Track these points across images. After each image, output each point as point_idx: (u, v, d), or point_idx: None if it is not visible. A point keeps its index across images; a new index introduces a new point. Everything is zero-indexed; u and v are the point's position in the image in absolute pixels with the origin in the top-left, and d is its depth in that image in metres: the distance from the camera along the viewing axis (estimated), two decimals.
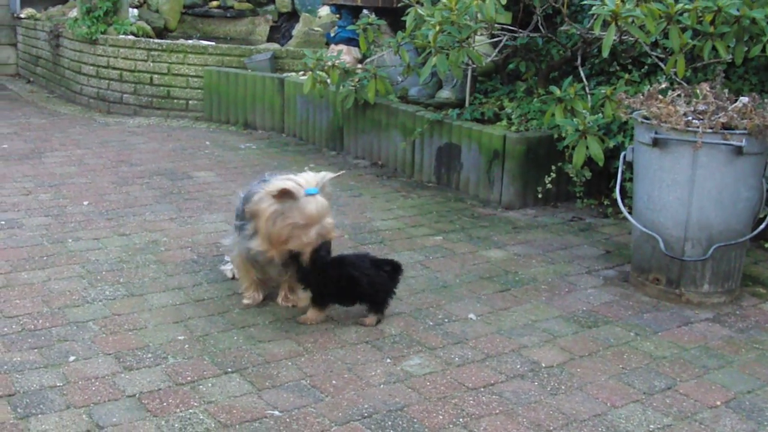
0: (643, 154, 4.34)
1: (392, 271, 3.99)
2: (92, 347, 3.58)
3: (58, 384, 3.26)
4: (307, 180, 3.76)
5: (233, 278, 4.37)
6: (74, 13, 10.02)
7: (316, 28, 9.53)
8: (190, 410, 3.12)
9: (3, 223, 5.15)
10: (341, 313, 4.02)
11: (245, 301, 4.11)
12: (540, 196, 5.87)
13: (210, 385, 3.31)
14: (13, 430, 2.94)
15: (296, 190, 3.67)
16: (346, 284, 3.87)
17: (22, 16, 11.64)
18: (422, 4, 5.84)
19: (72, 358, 3.48)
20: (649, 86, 4.81)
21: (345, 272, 3.87)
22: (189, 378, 3.35)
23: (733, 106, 4.20)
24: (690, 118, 4.18)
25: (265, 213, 3.70)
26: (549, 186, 5.82)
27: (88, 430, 2.96)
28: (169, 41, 9.04)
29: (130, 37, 9.13)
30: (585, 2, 5.32)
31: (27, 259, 4.57)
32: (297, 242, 3.72)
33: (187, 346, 3.64)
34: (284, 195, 3.65)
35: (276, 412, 3.13)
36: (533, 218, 5.66)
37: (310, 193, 3.70)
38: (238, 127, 8.36)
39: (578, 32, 5.79)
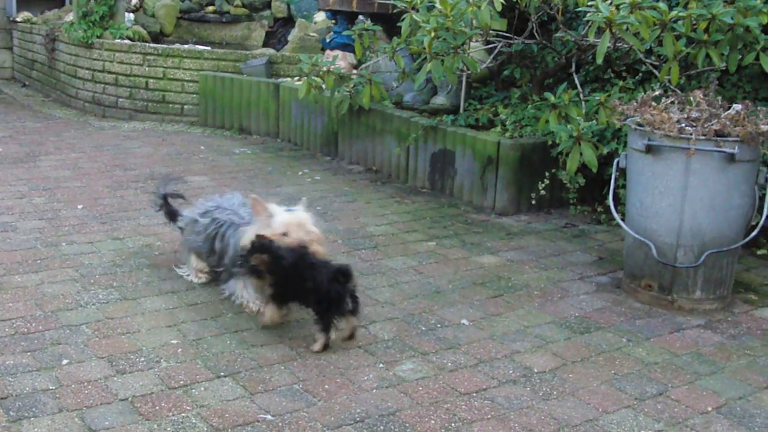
0: (637, 160, 4.35)
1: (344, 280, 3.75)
2: (85, 351, 3.58)
3: (50, 387, 3.26)
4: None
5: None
6: (70, 17, 10.02)
7: (312, 34, 9.54)
8: (183, 414, 3.12)
9: None
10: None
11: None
12: (533, 202, 5.89)
13: (203, 389, 3.31)
14: None
15: (270, 207, 4.05)
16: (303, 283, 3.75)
17: (18, 19, 11.63)
18: (418, 10, 5.85)
19: (65, 361, 3.48)
20: (643, 93, 4.83)
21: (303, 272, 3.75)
22: (182, 382, 3.36)
23: (726, 113, 4.22)
24: (683, 125, 4.20)
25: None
26: (543, 192, 5.84)
27: None
28: (164, 46, 9.04)
29: (126, 41, 9.13)
30: (580, 9, 5.34)
31: (20, 263, 4.57)
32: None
33: (180, 350, 3.64)
34: (261, 207, 4.03)
35: (268, 416, 3.13)
36: (527, 224, 5.67)
37: (287, 210, 4.03)
38: (233, 131, 8.36)
39: (573, 39, 5.81)
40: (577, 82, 5.80)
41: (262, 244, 3.76)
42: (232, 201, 4.37)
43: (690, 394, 3.44)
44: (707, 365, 3.71)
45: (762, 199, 4.42)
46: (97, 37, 9.16)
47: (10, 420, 3.02)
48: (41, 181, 6.29)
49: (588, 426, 3.17)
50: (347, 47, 8.28)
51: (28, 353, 3.54)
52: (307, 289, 3.70)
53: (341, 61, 7.97)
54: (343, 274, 3.71)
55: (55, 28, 10.23)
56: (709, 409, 3.34)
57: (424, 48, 5.54)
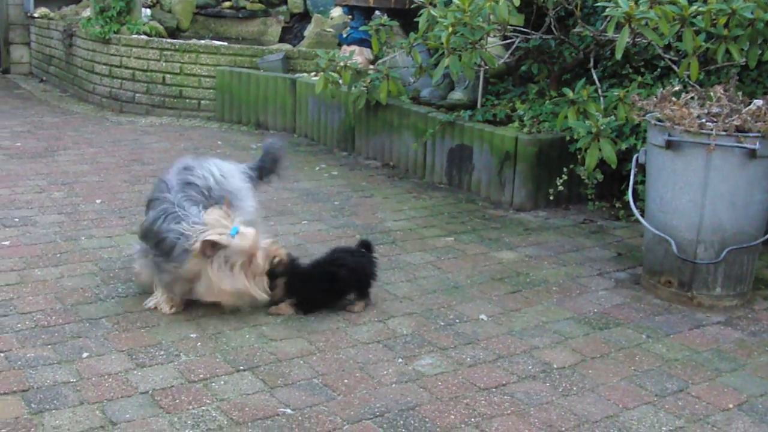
0: (656, 156, 4.33)
1: (367, 251, 4.20)
2: (105, 344, 3.60)
3: (71, 380, 3.28)
4: (214, 220, 3.77)
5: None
6: (87, 12, 10.06)
7: (328, 29, 9.55)
8: (203, 407, 3.13)
9: (17, 220, 5.18)
10: (352, 312, 4.03)
11: (172, 310, 3.95)
12: (551, 198, 5.87)
13: (222, 382, 3.32)
14: (27, 425, 2.96)
15: (222, 240, 3.69)
16: (328, 282, 4.01)
17: (36, 15, 11.69)
18: (435, 6, 5.84)
19: (85, 354, 3.49)
20: (661, 89, 4.81)
21: (324, 270, 4.04)
22: (201, 375, 3.37)
23: (747, 108, 4.19)
24: (704, 120, 4.17)
25: (213, 272, 3.73)
26: (560, 188, 5.81)
27: (101, 426, 2.97)
28: (181, 41, 9.07)
29: (143, 36, 9.16)
30: (598, 4, 5.31)
31: (40, 256, 4.59)
32: (250, 278, 3.78)
33: (199, 343, 3.65)
34: (213, 248, 3.69)
35: (288, 410, 3.14)
36: (545, 220, 5.66)
37: (235, 233, 3.74)
38: (249, 127, 8.38)
39: (591, 34, 5.79)
40: (595, 77, 5.78)
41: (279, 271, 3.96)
42: (179, 165, 4.20)
43: (711, 391, 3.42)
44: (728, 362, 3.69)
45: None
46: (115, 32, 9.19)
47: (32, 412, 3.04)
48: (60, 175, 6.32)
49: (608, 422, 3.16)
50: (364, 42, 8.28)
51: (49, 346, 3.55)
52: (340, 279, 4.00)
53: (358, 56, 7.96)
54: (366, 246, 4.20)
55: (73, 23, 10.27)
56: (731, 406, 3.32)
57: (442, 43, 5.53)
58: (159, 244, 3.83)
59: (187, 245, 3.71)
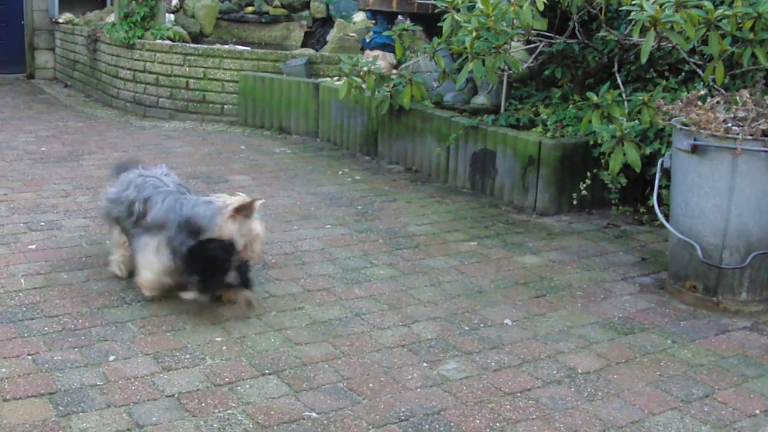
0: (682, 160, 4.31)
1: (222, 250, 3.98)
2: (131, 347, 3.62)
3: (98, 383, 3.30)
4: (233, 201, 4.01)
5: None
6: (112, 17, 10.14)
7: (351, 34, 9.57)
8: (229, 411, 3.15)
9: (43, 224, 5.22)
10: (377, 316, 4.03)
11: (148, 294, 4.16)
12: (575, 202, 5.85)
13: (248, 386, 3.34)
14: (55, 427, 2.98)
15: (257, 207, 3.97)
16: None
17: (61, 20, 11.79)
18: (459, 10, 5.84)
19: (112, 357, 3.52)
20: (686, 93, 4.79)
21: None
22: (227, 379, 3.38)
23: None
24: (729, 124, 4.15)
25: (234, 232, 3.93)
26: (584, 192, 5.80)
27: (128, 429, 2.99)
28: (205, 46, 9.11)
29: (167, 41, 9.22)
30: (623, 8, 5.30)
31: (66, 260, 4.62)
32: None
33: (224, 347, 3.67)
34: (245, 210, 3.93)
35: (313, 414, 3.15)
36: (568, 224, 5.64)
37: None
38: (272, 131, 8.41)
39: (615, 38, 5.77)
40: (619, 81, 5.76)
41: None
42: (155, 171, 4.33)
43: (737, 397, 3.40)
44: (754, 368, 3.66)
45: None
46: (139, 37, 9.26)
47: (60, 415, 3.07)
48: (85, 180, 6.37)
49: (634, 427, 3.15)
50: (387, 47, 8.30)
51: (76, 349, 3.58)
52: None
53: (381, 61, 7.98)
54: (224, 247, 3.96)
55: (97, 28, 10.35)
56: (757, 412, 3.29)
57: (466, 48, 5.53)
58: (186, 223, 3.99)
59: (219, 211, 3.95)
